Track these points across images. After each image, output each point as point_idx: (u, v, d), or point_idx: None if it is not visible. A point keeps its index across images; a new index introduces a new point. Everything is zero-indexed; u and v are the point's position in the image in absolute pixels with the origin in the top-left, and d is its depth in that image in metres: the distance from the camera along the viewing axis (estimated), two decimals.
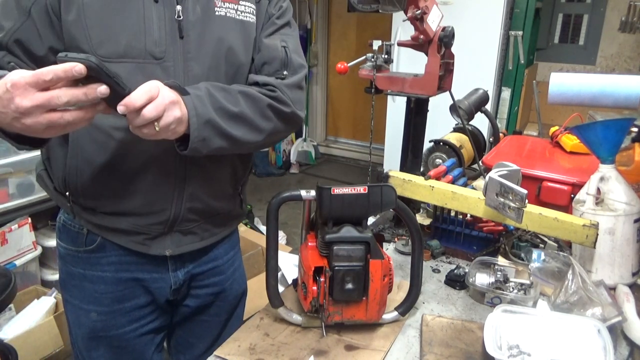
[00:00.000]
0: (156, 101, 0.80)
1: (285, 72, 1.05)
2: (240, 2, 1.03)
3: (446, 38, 1.29)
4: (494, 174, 1.08)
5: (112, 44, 0.92)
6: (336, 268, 0.91)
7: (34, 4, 0.90)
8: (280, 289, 1.01)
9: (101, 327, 1.10)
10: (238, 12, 1.02)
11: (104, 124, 0.95)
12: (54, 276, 2.50)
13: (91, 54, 0.89)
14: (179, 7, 0.96)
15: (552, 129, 1.65)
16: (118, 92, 0.77)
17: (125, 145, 0.96)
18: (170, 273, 1.11)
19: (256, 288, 2.27)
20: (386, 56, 1.43)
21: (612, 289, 1.07)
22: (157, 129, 0.81)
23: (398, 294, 1.08)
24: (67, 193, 1.02)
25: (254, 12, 1.05)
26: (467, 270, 1.15)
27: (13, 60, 0.92)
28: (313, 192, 0.95)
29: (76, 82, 0.74)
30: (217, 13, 0.99)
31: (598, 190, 1.13)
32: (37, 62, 0.93)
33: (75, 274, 1.10)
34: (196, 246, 1.12)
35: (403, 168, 1.46)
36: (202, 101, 0.90)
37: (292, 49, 1.08)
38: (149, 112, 0.79)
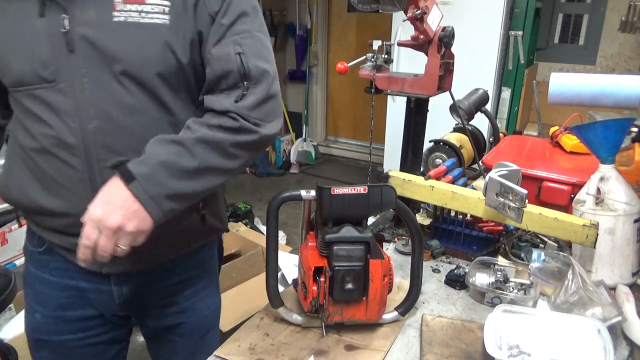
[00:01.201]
0: (98, 248, 0.82)
1: (245, 83, 0.90)
2: (147, 1, 0.88)
3: (446, 38, 1.30)
4: (494, 174, 1.08)
5: (9, 73, 0.89)
6: (336, 268, 0.91)
7: None
8: (280, 289, 1.01)
9: (44, 329, 1.08)
10: (143, 14, 0.88)
11: (23, 143, 0.93)
12: None
13: (4, 84, 0.93)
14: (65, 17, 0.86)
15: (552, 129, 1.65)
16: None
17: (39, 169, 0.93)
18: (114, 287, 1.04)
19: (256, 288, 2.28)
20: (386, 56, 1.43)
21: (612, 289, 1.07)
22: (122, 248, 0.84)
23: (398, 294, 1.08)
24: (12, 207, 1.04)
25: (167, 9, 0.89)
26: (467, 270, 1.15)
27: None
28: (313, 192, 0.95)
29: None
30: (115, 19, 0.87)
31: (598, 190, 1.13)
32: None
33: (30, 272, 1.09)
34: (140, 266, 1.03)
35: (403, 168, 1.46)
36: (154, 178, 0.83)
37: (250, 53, 0.91)
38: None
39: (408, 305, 1.03)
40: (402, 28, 3.24)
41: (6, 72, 0.91)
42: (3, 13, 0.89)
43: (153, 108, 0.92)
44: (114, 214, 0.81)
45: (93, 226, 0.81)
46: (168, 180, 0.84)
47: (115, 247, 0.83)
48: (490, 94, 2.14)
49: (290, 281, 1.12)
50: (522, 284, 1.08)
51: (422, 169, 1.52)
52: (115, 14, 0.87)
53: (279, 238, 1.26)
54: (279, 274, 1.21)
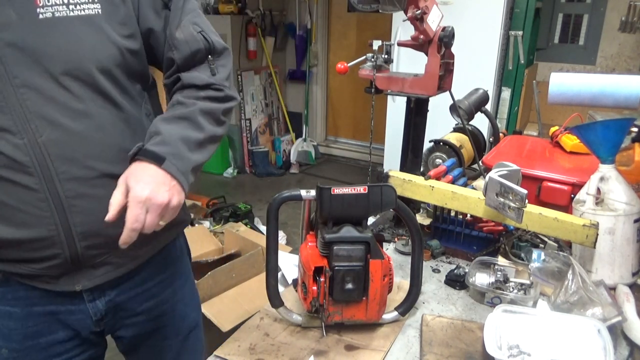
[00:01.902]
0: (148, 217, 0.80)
1: (210, 57, 0.95)
2: None
3: (446, 38, 1.30)
4: (494, 174, 1.08)
5: None
6: (336, 268, 0.91)
7: None
8: (280, 289, 1.01)
9: None
10: (71, 7, 0.82)
11: None
12: None
13: None
14: None
15: (552, 129, 1.65)
16: None
17: None
18: (88, 304, 0.98)
19: (256, 288, 2.28)
20: (386, 56, 1.43)
21: (612, 289, 1.07)
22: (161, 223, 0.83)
23: (398, 294, 1.08)
24: None
25: None
26: (467, 270, 1.15)
27: None
28: (313, 192, 0.95)
29: None
30: (41, 17, 0.79)
31: (598, 190, 1.13)
32: None
33: None
34: (113, 275, 0.98)
35: (403, 168, 1.46)
36: (179, 155, 0.85)
37: (206, 29, 0.95)
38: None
39: (408, 305, 1.03)
40: (402, 28, 3.24)
41: None
42: None
43: (102, 108, 0.88)
44: (160, 191, 0.81)
45: (141, 207, 0.80)
46: (189, 155, 0.87)
47: (158, 224, 0.83)
48: (490, 94, 2.14)
49: (290, 281, 1.12)
50: (522, 284, 1.08)
51: (422, 169, 1.52)
52: (40, 10, 0.79)
53: (279, 238, 1.26)
54: (279, 274, 1.21)
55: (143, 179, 0.81)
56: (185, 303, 1.15)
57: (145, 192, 0.79)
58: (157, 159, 0.83)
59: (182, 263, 1.16)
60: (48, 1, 0.80)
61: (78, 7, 0.82)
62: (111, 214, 0.79)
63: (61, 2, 0.81)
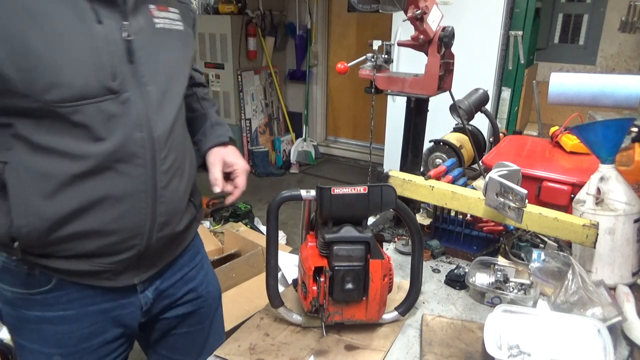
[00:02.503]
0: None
1: None
2: (170, 9, 0.96)
3: (446, 38, 1.30)
4: (494, 174, 1.08)
5: (64, 87, 0.78)
6: (336, 268, 0.91)
7: None
8: (280, 289, 1.01)
9: None
10: (171, 21, 0.96)
11: (58, 171, 0.83)
12: None
13: (36, 100, 0.78)
14: (126, 24, 0.85)
15: (552, 129, 1.65)
16: None
17: (87, 193, 0.86)
18: (139, 295, 1.04)
19: (256, 288, 2.28)
20: (386, 56, 1.43)
21: (612, 289, 1.07)
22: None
23: (398, 294, 1.08)
24: (16, 244, 0.86)
25: (180, 17, 0.99)
26: (467, 270, 1.15)
27: None
28: (313, 192, 0.95)
29: None
30: (157, 26, 0.92)
31: (598, 190, 1.13)
32: None
33: (31, 318, 0.96)
34: (162, 264, 1.06)
35: (403, 168, 1.46)
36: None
37: None
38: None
39: (408, 305, 1.03)
40: (402, 28, 3.24)
41: (59, 86, 0.78)
42: (45, 17, 0.77)
43: (181, 104, 1.01)
44: (246, 163, 1.15)
45: (246, 175, 1.13)
46: None
47: None
48: (490, 94, 2.14)
49: (290, 281, 1.12)
50: (522, 284, 1.08)
51: (422, 169, 1.52)
52: (156, 20, 0.92)
53: (279, 238, 1.26)
54: (279, 274, 1.21)
55: (238, 156, 1.14)
56: (213, 284, 1.25)
57: (245, 164, 1.14)
58: (234, 142, 1.17)
59: (203, 247, 1.26)
60: (159, 14, 0.93)
61: (175, 22, 0.97)
62: (220, 186, 1.08)
63: (166, 17, 0.95)
